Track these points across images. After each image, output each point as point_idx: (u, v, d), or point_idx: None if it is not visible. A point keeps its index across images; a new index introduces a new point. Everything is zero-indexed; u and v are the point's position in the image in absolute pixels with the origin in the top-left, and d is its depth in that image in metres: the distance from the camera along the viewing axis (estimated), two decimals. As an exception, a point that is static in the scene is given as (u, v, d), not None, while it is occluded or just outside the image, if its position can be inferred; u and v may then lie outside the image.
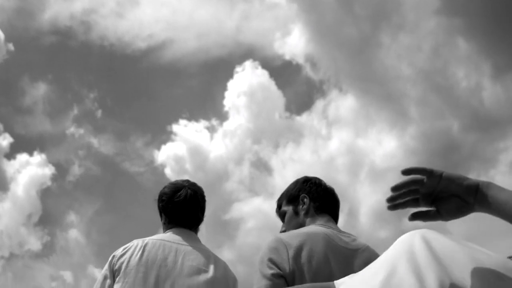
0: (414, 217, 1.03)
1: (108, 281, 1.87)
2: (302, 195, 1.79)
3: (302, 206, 1.77)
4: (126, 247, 1.93)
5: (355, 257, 1.57)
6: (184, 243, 1.94)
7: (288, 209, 1.80)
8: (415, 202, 1.02)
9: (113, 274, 1.88)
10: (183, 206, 2.01)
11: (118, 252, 1.92)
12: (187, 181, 2.10)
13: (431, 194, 0.99)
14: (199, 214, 2.06)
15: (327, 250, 1.52)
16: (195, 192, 2.06)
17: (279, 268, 1.49)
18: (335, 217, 1.78)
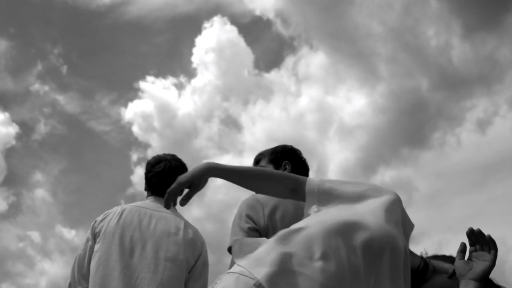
0: (185, 201, 1.26)
1: (90, 243, 2.11)
2: (285, 161, 2.01)
3: (282, 171, 1.95)
4: (107, 213, 2.16)
5: None
6: (159, 210, 2.15)
7: (267, 167, 1.99)
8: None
9: (94, 236, 2.11)
10: (161, 176, 2.21)
11: (100, 217, 2.15)
12: (173, 155, 2.31)
13: None
14: None
15: (299, 213, 1.76)
16: (176, 165, 2.24)
17: (254, 223, 1.75)
18: None
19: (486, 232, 1.19)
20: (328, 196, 1.16)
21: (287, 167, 2.01)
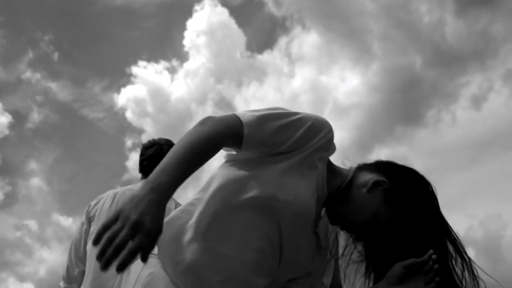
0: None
1: (85, 227, 2.15)
2: None
3: None
4: (100, 197, 2.19)
5: None
6: None
7: None
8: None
9: (89, 220, 2.14)
10: (152, 160, 2.25)
11: (93, 201, 2.19)
12: (167, 140, 2.35)
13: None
14: None
15: None
16: (168, 149, 2.23)
17: None
18: None
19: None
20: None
21: None
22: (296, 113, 1.04)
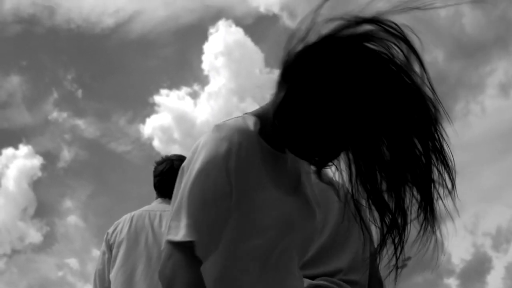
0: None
1: (107, 255, 2.10)
2: None
3: None
4: (117, 223, 2.14)
5: None
6: (167, 210, 2.08)
7: None
8: None
9: (110, 247, 2.09)
10: (163, 177, 2.19)
11: (111, 228, 2.14)
12: (179, 155, 2.28)
13: None
14: None
15: None
16: (179, 165, 2.13)
17: None
18: None
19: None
20: None
21: None
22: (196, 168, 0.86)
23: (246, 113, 0.94)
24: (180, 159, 2.22)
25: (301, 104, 0.82)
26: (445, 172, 0.83)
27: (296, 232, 0.91)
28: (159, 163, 2.25)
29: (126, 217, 2.14)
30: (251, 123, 0.90)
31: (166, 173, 2.17)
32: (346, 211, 0.88)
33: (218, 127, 0.90)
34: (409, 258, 0.87)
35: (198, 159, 0.87)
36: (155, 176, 2.23)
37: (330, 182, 0.94)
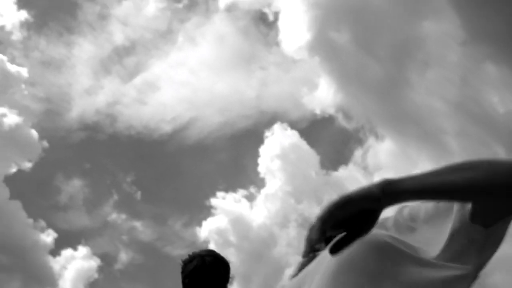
0: (337, 249, 0.78)
1: None
2: None
3: None
4: None
5: None
6: None
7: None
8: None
9: None
10: (194, 276, 1.94)
11: None
12: (209, 250, 2.04)
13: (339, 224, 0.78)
14: (214, 283, 1.93)
15: None
16: (211, 261, 1.95)
17: None
18: None
19: None
20: None
21: None
22: None
23: None
24: (211, 254, 1.99)
25: None
26: None
27: None
28: (187, 262, 1.96)
29: None
30: None
31: (198, 270, 1.91)
32: None
33: None
34: None
35: None
36: (185, 276, 1.94)
37: None
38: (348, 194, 0.76)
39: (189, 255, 1.99)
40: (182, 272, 1.97)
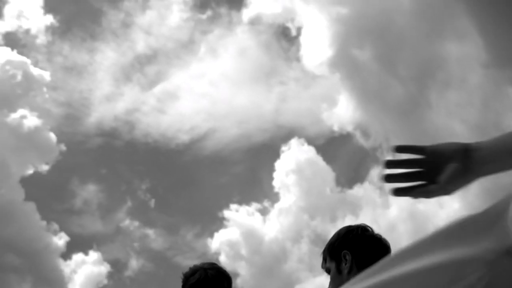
0: (400, 192, 0.85)
1: None
2: (344, 251, 1.62)
3: (345, 264, 1.61)
4: None
5: None
6: None
7: (331, 266, 1.64)
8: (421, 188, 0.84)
9: None
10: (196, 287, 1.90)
11: None
12: (212, 263, 2.01)
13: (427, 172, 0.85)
14: None
15: None
16: (214, 274, 1.93)
17: None
18: None
19: None
20: None
21: (347, 257, 1.61)
22: None
23: None
24: (214, 267, 1.96)
25: None
26: None
27: None
28: (188, 276, 1.93)
29: None
30: None
31: (201, 283, 1.88)
32: None
33: None
34: None
35: None
36: None
37: None
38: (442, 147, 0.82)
39: (190, 268, 1.96)
40: (184, 286, 1.93)
